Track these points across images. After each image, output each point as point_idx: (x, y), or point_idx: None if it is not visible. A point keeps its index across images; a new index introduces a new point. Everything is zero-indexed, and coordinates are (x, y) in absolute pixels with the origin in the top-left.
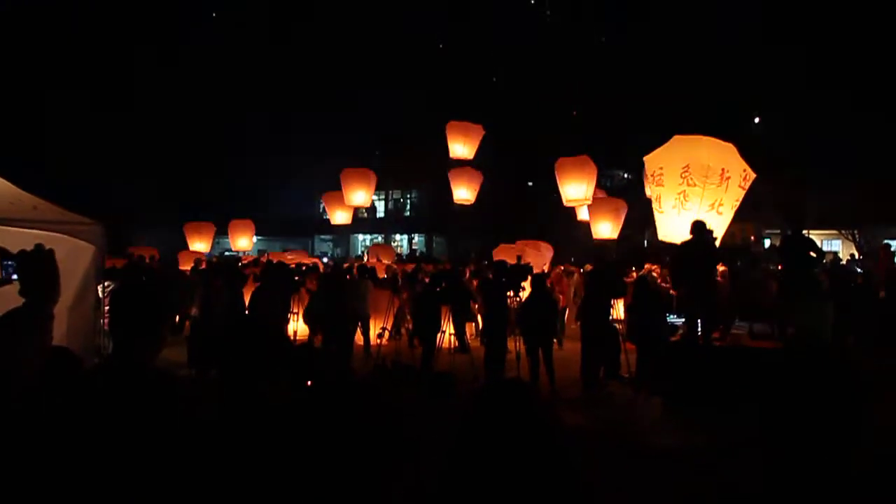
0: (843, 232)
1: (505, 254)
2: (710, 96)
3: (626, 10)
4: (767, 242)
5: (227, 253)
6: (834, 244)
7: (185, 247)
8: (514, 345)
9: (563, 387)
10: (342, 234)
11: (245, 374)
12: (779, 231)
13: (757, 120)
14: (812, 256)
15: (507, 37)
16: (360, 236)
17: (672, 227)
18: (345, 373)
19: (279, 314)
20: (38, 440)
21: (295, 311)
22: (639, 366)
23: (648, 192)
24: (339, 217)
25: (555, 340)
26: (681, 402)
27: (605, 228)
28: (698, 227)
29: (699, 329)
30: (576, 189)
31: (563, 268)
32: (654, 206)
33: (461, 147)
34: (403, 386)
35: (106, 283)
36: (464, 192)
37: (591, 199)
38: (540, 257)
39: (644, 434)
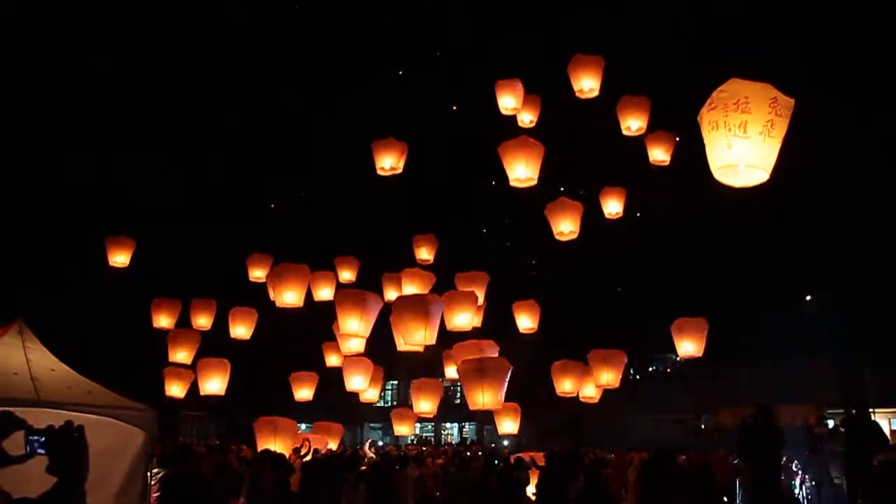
0: None
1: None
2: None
3: None
4: (831, 423)
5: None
6: None
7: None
8: None
9: None
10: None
11: None
12: (842, 411)
13: (808, 298)
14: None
15: None
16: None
17: (753, 150)
18: None
19: None
20: None
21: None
22: None
23: (714, 120)
24: (388, 162)
25: None
26: None
27: None
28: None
29: None
30: (588, 82)
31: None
32: (734, 132)
33: (509, 99)
34: None
35: (154, 470)
36: (526, 116)
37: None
38: None
39: None
